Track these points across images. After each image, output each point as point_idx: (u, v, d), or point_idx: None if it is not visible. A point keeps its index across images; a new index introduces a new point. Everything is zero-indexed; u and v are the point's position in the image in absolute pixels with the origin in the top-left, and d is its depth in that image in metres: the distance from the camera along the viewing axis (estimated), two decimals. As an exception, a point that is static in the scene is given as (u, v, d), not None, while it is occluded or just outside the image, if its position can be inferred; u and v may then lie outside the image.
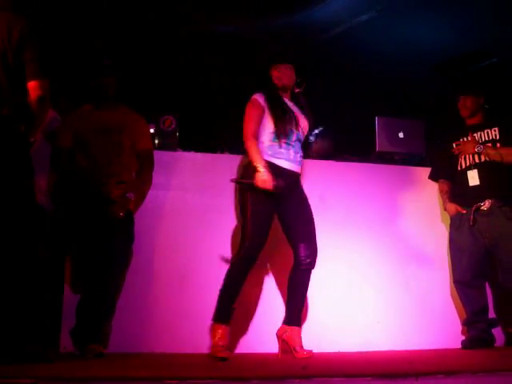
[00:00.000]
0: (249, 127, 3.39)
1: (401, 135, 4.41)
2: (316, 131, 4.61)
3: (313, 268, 3.40)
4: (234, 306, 3.32)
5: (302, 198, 3.47)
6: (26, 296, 2.78)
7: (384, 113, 4.49)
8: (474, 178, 3.87)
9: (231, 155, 4.07)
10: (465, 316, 3.92)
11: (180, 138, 4.11)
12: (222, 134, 5.24)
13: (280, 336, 3.37)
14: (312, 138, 4.50)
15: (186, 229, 3.83)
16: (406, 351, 3.75)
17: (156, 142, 4.07)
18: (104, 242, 3.37)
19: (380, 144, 4.39)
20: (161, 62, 5.78)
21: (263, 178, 3.23)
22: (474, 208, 3.81)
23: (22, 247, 2.75)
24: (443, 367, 2.78)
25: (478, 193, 3.84)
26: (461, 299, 3.91)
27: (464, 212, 3.86)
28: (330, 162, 4.29)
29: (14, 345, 2.63)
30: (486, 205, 3.81)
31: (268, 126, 3.39)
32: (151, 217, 3.79)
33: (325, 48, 5.79)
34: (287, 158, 3.40)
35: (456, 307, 4.07)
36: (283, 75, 3.49)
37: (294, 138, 3.43)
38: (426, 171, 4.29)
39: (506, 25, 5.14)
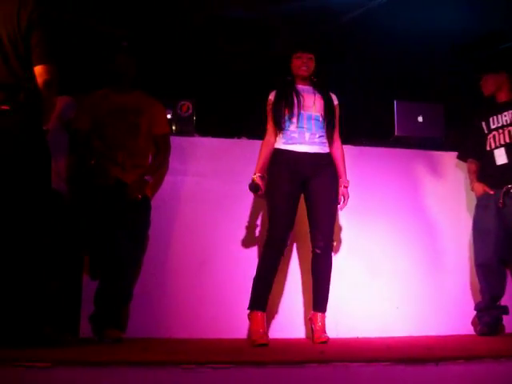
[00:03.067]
0: (266, 128, 3.51)
1: (420, 119, 4.35)
2: None
3: (326, 253, 3.36)
4: (269, 292, 3.32)
5: (325, 180, 3.42)
6: (44, 281, 2.79)
7: (403, 96, 4.43)
8: (501, 157, 3.80)
9: (248, 140, 4.05)
10: (480, 301, 3.86)
11: (197, 123, 4.10)
12: (240, 120, 5.21)
13: (308, 321, 3.40)
14: None
15: (203, 214, 3.82)
16: (425, 337, 3.73)
17: (173, 127, 4.06)
18: (121, 227, 3.37)
19: (399, 128, 4.33)
20: (177, 47, 5.76)
21: (251, 184, 3.39)
22: (504, 190, 3.73)
23: (41, 233, 2.76)
24: (463, 353, 2.75)
25: (507, 172, 3.76)
26: (480, 283, 3.84)
27: (492, 193, 3.80)
28: (347, 146, 4.23)
29: (31, 328, 2.64)
30: None
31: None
32: (169, 203, 3.80)
33: (342, 31, 5.72)
34: (301, 142, 3.40)
35: (473, 294, 4.02)
36: (302, 64, 3.47)
37: (304, 118, 3.41)
38: (445, 155, 4.25)
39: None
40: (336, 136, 3.54)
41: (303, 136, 3.40)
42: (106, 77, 3.62)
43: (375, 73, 6.02)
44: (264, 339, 3.15)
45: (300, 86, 3.51)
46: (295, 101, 3.43)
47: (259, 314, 3.26)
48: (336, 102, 3.55)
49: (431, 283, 4.00)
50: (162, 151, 3.66)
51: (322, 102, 3.48)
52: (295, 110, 3.40)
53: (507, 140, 3.81)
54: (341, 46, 5.85)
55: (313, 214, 3.41)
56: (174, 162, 3.78)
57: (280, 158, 3.42)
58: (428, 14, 5.37)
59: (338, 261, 3.81)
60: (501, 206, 3.74)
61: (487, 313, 3.80)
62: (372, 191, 4.07)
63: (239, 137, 4.10)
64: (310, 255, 3.42)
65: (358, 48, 5.92)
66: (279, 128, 3.44)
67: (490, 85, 3.94)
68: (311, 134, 3.42)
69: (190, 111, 4.06)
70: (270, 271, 3.32)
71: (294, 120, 3.40)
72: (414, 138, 4.36)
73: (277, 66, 3.59)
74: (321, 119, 3.45)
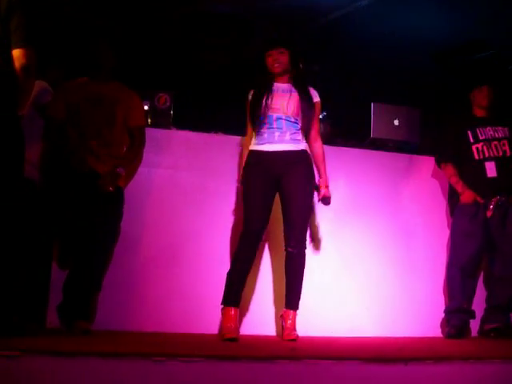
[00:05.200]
0: (246, 128, 3.55)
1: (396, 122, 4.38)
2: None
3: (299, 251, 3.36)
4: (243, 288, 3.32)
5: (297, 178, 3.41)
6: (12, 270, 2.73)
7: (381, 99, 4.46)
8: (492, 170, 3.93)
9: (225, 136, 4.03)
10: (451, 303, 3.92)
11: (174, 116, 4.07)
12: (217, 114, 5.19)
13: (279, 319, 3.40)
14: None
15: (176, 207, 3.79)
16: (395, 338, 3.76)
17: (150, 119, 4.02)
18: (92, 217, 3.32)
19: (375, 130, 4.36)
20: (157, 39, 5.72)
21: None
22: (495, 200, 3.87)
23: (10, 221, 2.70)
24: (432, 354, 2.79)
25: (495, 185, 3.91)
26: (454, 286, 3.91)
27: (482, 202, 3.89)
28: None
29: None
30: (503, 198, 3.88)
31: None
32: (142, 194, 3.75)
33: (323, 32, 5.75)
34: (270, 141, 3.40)
35: (444, 296, 4.06)
36: (274, 61, 3.45)
37: (273, 119, 3.41)
38: (420, 159, 4.29)
39: (504, 16, 5.12)
40: (314, 134, 3.51)
41: (273, 135, 3.41)
42: (85, 65, 3.57)
43: (355, 74, 6.07)
44: (234, 334, 3.15)
45: (277, 85, 3.49)
46: (263, 104, 3.42)
47: (232, 309, 3.25)
48: (316, 100, 3.52)
49: (402, 285, 4.03)
50: (137, 143, 3.62)
51: (296, 101, 3.45)
52: (263, 112, 3.40)
53: (496, 153, 3.96)
54: (321, 47, 5.87)
55: (286, 213, 3.41)
56: (149, 153, 3.73)
57: (253, 158, 3.43)
58: (409, 18, 5.43)
59: (310, 260, 3.82)
60: (489, 216, 3.87)
61: (457, 316, 3.86)
62: (346, 192, 4.08)
63: (216, 131, 4.09)
64: (283, 254, 3.42)
65: (338, 49, 5.95)
66: (253, 129, 3.46)
67: (490, 97, 4.05)
68: (281, 132, 3.41)
69: (168, 103, 4.03)
70: (245, 265, 3.31)
71: (265, 121, 3.41)
72: (389, 140, 4.39)
73: (256, 62, 3.57)
74: (293, 119, 3.43)
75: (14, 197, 2.71)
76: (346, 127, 4.90)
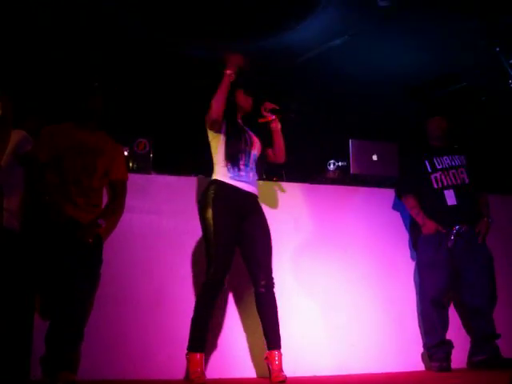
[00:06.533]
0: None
1: (374, 158, 4.43)
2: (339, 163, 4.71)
3: (269, 290, 3.34)
4: (207, 333, 3.33)
5: (260, 220, 3.45)
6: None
7: (358, 135, 4.52)
8: (451, 198, 3.96)
9: (206, 178, 4.05)
10: (431, 337, 3.89)
11: (154, 161, 4.08)
12: (197, 158, 5.21)
13: (265, 360, 3.37)
14: (331, 167, 4.63)
15: (159, 252, 3.78)
16: (382, 374, 3.74)
17: (130, 164, 4.03)
18: (73, 266, 3.29)
19: (354, 166, 4.40)
20: (135, 85, 5.77)
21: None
22: (456, 229, 3.89)
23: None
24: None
25: (456, 213, 3.93)
26: (431, 320, 3.89)
27: (444, 231, 3.90)
28: (304, 184, 4.28)
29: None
30: (464, 227, 3.90)
31: (224, 149, 3.45)
32: (124, 240, 3.74)
33: (298, 72, 5.84)
34: (246, 181, 3.44)
35: (420, 330, 4.05)
36: (247, 98, 3.55)
37: (251, 159, 3.47)
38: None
39: (474, 50, 5.24)
40: None
41: (248, 175, 3.45)
42: (73, 111, 3.59)
43: (331, 112, 6.15)
44: (202, 379, 3.20)
45: (243, 124, 3.57)
46: (248, 139, 3.49)
47: (197, 355, 3.28)
48: None
49: (386, 320, 4.03)
50: (119, 196, 3.64)
51: (259, 145, 3.57)
52: (243, 148, 3.45)
53: (454, 182, 4.00)
54: (296, 86, 5.95)
55: (252, 254, 3.39)
56: (130, 199, 3.74)
57: (227, 192, 3.39)
58: (381, 55, 5.53)
59: (294, 298, 3.83)
60: (450, 246, 3.88)
61: (441, 349, 3.84)
62: (328, 228, 4.11)
63: (196, 174, 4.10)
64: (247, 293, 3.45)
65: (313, 88, 6.04)
66: (230, 161, 3.42)
67: (444, 127, 4.11)
68: (253, 174, 3.48)
69: (147, 148, 4.04)
70: (208, 312, 3.32)
71: (240, 156, 3.44)
72: (369, 175, 4.44)
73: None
74: (257, 155, 3.54)
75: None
76: (324, 164, 4.93)
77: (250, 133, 3.56)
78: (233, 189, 3.39)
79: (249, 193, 3.44)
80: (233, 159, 3.41)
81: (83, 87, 3.63)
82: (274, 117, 3.52)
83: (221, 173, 3.43)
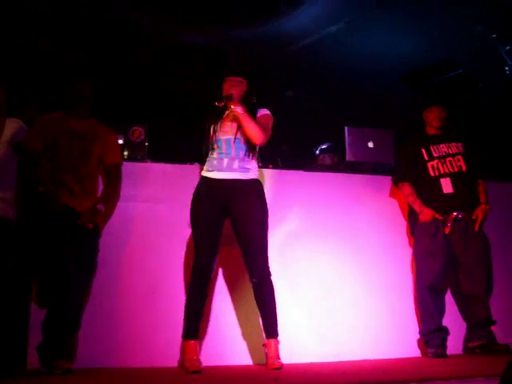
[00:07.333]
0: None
1: (370, 145, 4.42)
2: (323, 146, 4.79)
3: (264, 280, 3.35)
4: (200, 320, 3.35)
5: (245, 209, 3.40)
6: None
7: (354, 123, 4.51)
8: (447, 186, 3.96)
9: (201, 166, 4.04)
10: (428, 323, 3.89)
11: (149, 149, 4.07)
12: (192, 145, 5.21)
13: (262, 347, 3.37)
14: (317, 152, 4.73)
15: (155, 241, 3.77)
16: (379, 360, 3.74)
17: (125, 153, 4.02)
18: (69, 254, 3.29)
19: (350, 154, 4.40)
20: (130, 72, 5.74)
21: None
22: (452, 216, 3.89)
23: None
24: (417, 376, 2.78)
25: (453, 201, 3.93)
26: (428, 306, 3.89)
27: (441, 219, 3.91)
28: (299, 171, 4.28)
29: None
30: (461, 214, 3.90)
31: None
32: (120, 229, 3.73)
33: (294, 59, 5.82)
34: (219, 169, 3.42)
35: (417, 317, 4.04)
36: (231, 87, 3.50)
37: (224, 144, 3.43)
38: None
39: (470, 37, 5.23)
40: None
41: (222, 163, 3.43)
42: (62, 101, 3.58)
43: (327, 99, 6.13)
44: (196, 366, 3.20)
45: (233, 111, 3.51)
46: (212, 126, 3.48)
47: (192, 342, 3.30)
48: (261, 113, 3.53)
49: (383, 306, 4.03)
50: (114, 181, 3.63)
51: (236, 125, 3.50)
52: (212, 136, 3.46)
53: (451, 169, 4.00)
54: (292, 74, 5.94)
55: (242, 245, 3.41)
56: (125, 187, 3.73)
57: (202, 185, 3.47)
58: (377, 43, 5.52)
59: (290, 286, 3.83)
60: (448, 232, 3.88)
61: (436, 335, 3.84)
62: (324, 216, 4.10)
63: (191, 163, 4.09)
64: (242, 280, 3.47)
65: (309, 75, 6.02)
66: (207, 153, 3.49)
67: (442, 117, 4.10)
68: (230, 160, 3.43)
69: (142, 137, 4.03)
70: (199, 299, 3.34)
71: (215, 146, 3.45)
72: (364, 163, 4.44)
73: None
74: (243, 141, 3.44)
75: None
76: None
77: (227, 117, 3.50)
78: (206, 180, 3.45)
79: (223, 180, 3.41)
80: (207, 151, 3.48)
81: (70, 75, 3.63)
82: (222, 104, 3.47)
83: (204, 167, 3.51)
